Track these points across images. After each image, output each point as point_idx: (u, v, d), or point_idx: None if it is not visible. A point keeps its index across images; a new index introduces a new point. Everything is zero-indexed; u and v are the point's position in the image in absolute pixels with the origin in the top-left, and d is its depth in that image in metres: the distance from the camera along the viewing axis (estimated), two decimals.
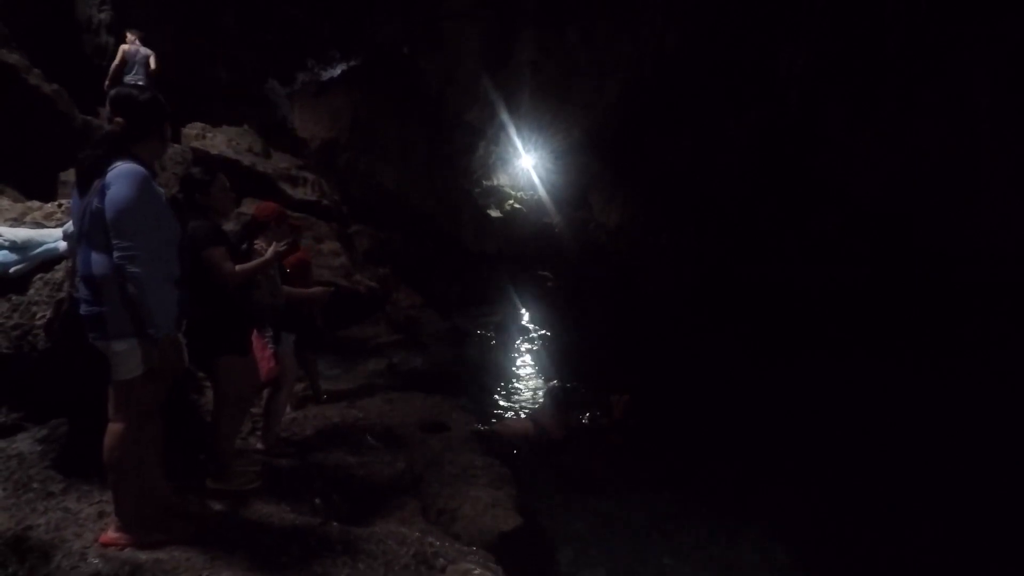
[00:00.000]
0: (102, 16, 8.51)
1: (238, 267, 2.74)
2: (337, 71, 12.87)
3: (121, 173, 2.01)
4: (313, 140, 11.09)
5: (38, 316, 2.59)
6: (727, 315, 9.90)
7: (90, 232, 2.03)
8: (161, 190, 2.18)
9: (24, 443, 2.59)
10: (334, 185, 9.85)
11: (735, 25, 10.57)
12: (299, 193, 7.85)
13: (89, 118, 6.96)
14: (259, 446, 3.57)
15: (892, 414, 5.88)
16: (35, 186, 5.50)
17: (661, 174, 12.78)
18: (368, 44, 13.30)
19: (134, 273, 1.97)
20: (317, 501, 3.10)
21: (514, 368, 7.78)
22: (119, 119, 2.22)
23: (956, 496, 4.47)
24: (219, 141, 7.81)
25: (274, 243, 2.87)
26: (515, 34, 13.22)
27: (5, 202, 4.55)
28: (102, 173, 2.05)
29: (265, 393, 3.62)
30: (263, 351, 3.37)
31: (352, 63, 12.89)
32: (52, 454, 2.57)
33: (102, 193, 2.00)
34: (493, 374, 7.21)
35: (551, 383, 5.64)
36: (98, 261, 2.02)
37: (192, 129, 7.93)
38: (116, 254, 1.98)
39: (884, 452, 5.16)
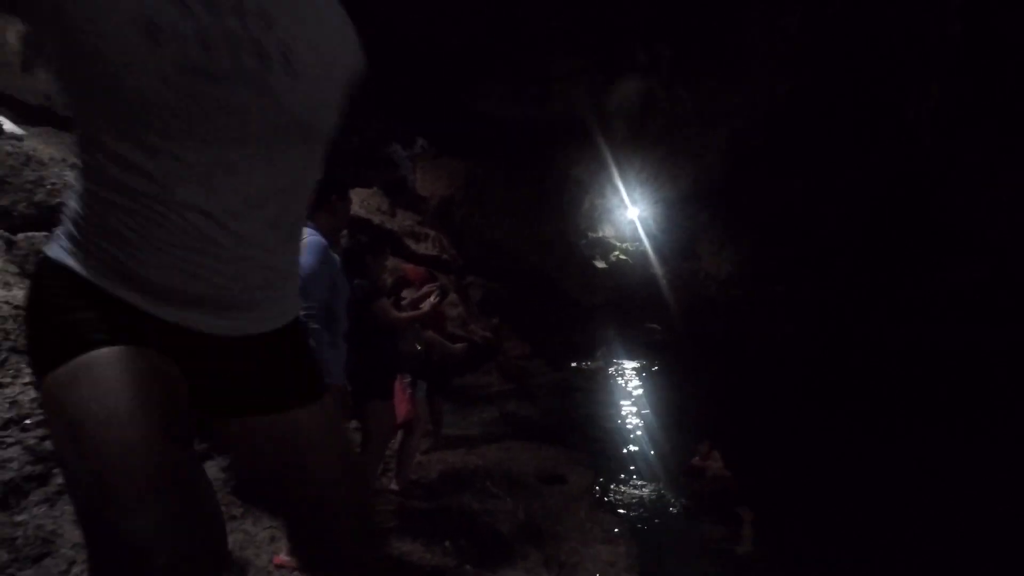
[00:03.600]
0: None
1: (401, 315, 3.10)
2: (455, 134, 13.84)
3: (306, 246, 2.39)
4: (432, 198, 11.93)
5: None
6: (850, 373, 9.15)
7: None
8: (337, 257, 2.54)
9: (212, 469, 3.01)
10: (450, 239, 10.49)
11: (854, 68, 10.20)
12: (421, 248, 8.47)
13: None
14: (393, 487, 3.84)
15: None
16: None
17: (775, 222, 12.32)
18: (483, 108, 14.26)
19: (314, 329, 2.31)
20: (447, 544, 3.28)
21: (623, 421, 7.68)
22: None
23: None
24: (354, 202, 8.65)
25: (429, 299, 3.19)
26: (620, 91, 13.60)
27: None
28: None
29: (399, 435, 3.91)
30: (402, 395, 3.69)
31: (468, 126, 13.82)
32: (232, 481, 2.96)
33: None
34: (603, 426, 7.17)
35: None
36: None
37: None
38: (300, 313, 2.33)
39: None
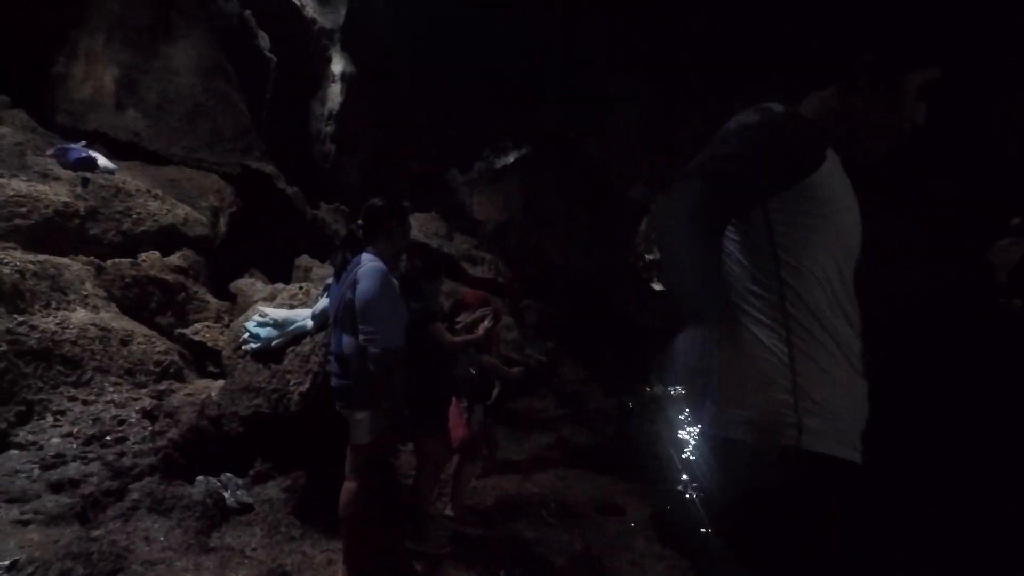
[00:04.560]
0: (328, 129, 10.35)
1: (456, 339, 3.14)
2: (511, 159, 14.04)
3: (367, 271, 2.43)
4: (489, 222, 12.10)
5: (291, 383, 3.13)
6: (937, 400, 8.46)
7: (343, 318, 2.46)
8: (396, 282, 2.58)
9: (272, 490, 3.08)
10: (506, 263, 10.55)
11: (930, 77, 9.68)
12: (478, 271, 8.55)
13: (316, 212, 8.38)
14: (448, 512, 3.82)
15: None
16: (276, 270, 6.69)
17: None
18: (538, 131, 14.43)
19: (375, 354, 2.34)
20: (502, 573, 3.21)
21: (682, 449, 7.40)
22: (359, 222, 2.72)
23: None
24: (412, 226, 8.87)
25: (483, 324, 3.21)
26: (678, 110, 13.44)
27: (259, 284, 5.61)
28: (352, 269, 2.51)
29: (454, 460, 3.90)
30: (458, 419, 3.68)
31: (524, 151, 13.99)
32: (292, 502, 3.02)
33: (353, 287, 2.43)
34: (661, 455, 6.93)
35: None
36: (348, 342, 2.43)
37: None
38: (362, 337, 2.37)
39: None
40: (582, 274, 12.12)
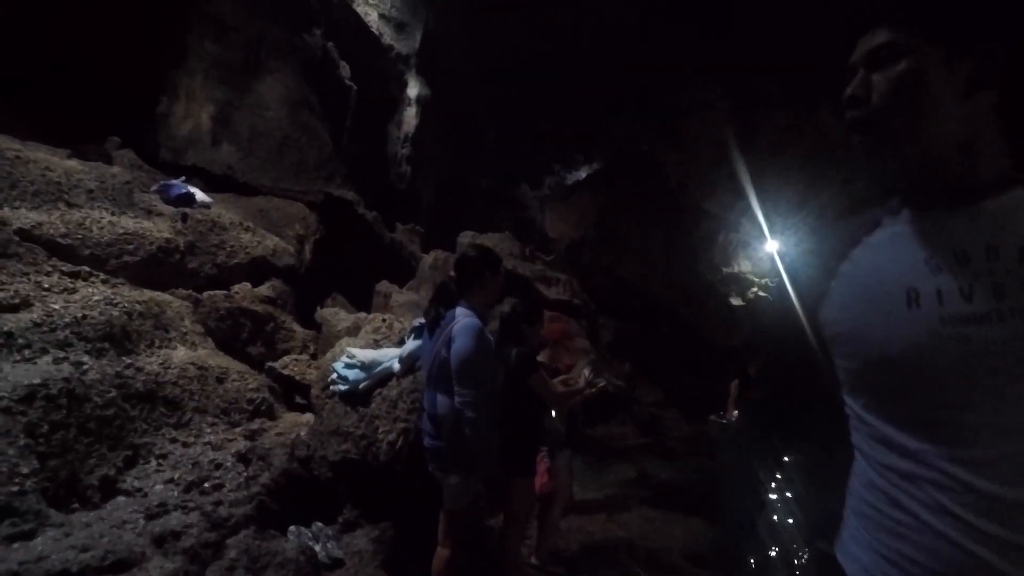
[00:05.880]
0: (404, 151, 10.55)
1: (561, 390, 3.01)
2: (582, 174, 13.86)
3: (464, 328, 2.33)
4: (562, 239, 11.95)
5: (380, 430, 3.08)
6: None
7: (437, 377, 2.38)
8: (491, 338, 2.47)
9: (361, 540, 3.04)
10: (580, 280, 10.36)
11: None
12: (553, 293, 8.41)
13: (393, 235, 8.53)
14: (533, 560, 3.67)
15: None
16: (357, 294, 6.82)
17: None
18: (609, 145, 14.17)
19: (471, 418, 2.23)
20: None
21: (774, 487, 6.91)
22: (452, 274, 2.63)
23: None
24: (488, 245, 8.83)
25: (584, 375, 3.07)
26: (756, 119, 12.87)
27: (342, 313, 5.70)
28: (446, 325, 2.42)
29: (537, 507, 3.75)
30: (539, 465, 3.53)
31: (595, 165, 13.78)
32: (381, 555, 2.96)
33: (448, 344, 2.34)
34: (752, 494, 6.50)
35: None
36: (442, 403, 2.34)
37: (464, 237, 9.14)
38: (457, 399, 2.27)
39: None
40: (656, 290, 11.75)
